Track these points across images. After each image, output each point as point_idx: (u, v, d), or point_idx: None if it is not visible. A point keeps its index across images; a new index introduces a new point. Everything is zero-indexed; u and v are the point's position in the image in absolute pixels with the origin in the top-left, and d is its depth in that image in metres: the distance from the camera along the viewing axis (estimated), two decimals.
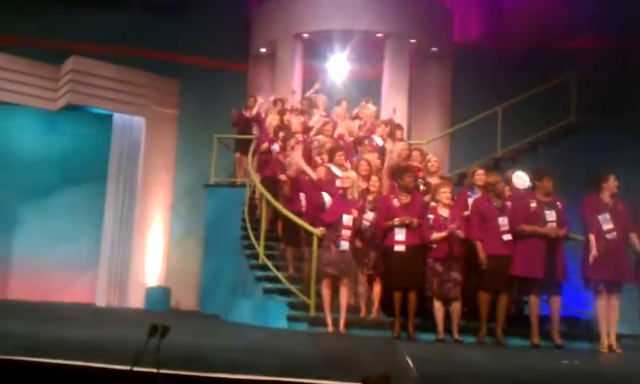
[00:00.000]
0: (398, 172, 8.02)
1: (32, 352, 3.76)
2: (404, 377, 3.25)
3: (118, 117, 12.83)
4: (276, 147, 9.90)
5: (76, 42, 12.76)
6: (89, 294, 12.73)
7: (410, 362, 3.24)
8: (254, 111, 11.28)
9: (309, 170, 8.60)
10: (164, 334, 3.13)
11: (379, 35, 12.58)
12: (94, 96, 12.38)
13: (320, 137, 9.73)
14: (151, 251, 12.90)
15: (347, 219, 7.74)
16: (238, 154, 11.57)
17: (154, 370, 3.10)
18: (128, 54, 12.95)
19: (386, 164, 8.83)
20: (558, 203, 7.52)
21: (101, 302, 12.43)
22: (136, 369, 3.10)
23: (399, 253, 7.57)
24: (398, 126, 10.26)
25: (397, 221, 7.61)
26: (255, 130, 11.13)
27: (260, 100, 11.42)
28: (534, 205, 7.53)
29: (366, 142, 9.27)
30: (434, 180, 8.31)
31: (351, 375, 3.25)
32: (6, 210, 12.85)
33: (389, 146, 9.38)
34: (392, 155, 8.81)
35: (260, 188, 9.46)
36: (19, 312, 8.99)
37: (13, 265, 12.96)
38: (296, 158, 8.81)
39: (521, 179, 8.12)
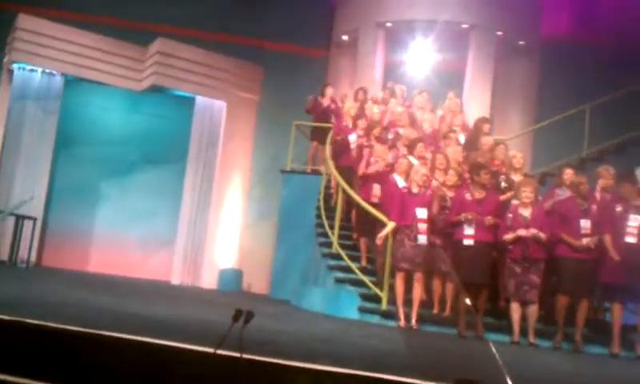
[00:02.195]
0: (474, 167, 7.82)
1: (119, 328, 3.84)
2: (496, 381, 3.12)
3: (200, 100, 13.06)
4: (353, 137, 9.83)
5: (163, 25, 13.05)
6: (164, 271, 13.04)
7: (502, 365, 3.11)
8: (327, 101, 11.23)
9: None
10: (248, 319, 3.14)
11: (464, 26, 12.28)
12: (179, 79, 12.64)
13: (401, 130, 9.62)
14: (226, 233, 13.11)
15: (421, 212, 7.63)
16: (314, 142, 11.56)
17: (237, 354, 3.10)
18: (213, 39, 13.17)
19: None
20: None
21: (175, 280, 12.72)
22: (219, 352, 3.11)
23: (467, 247, 7.41)
24: (485, 120, 9.96)
25: (463, 216, 7.43)
26: (333, 119, 11.07)
27: (330, 90, 11.36)
28: (619, 209, 7.23)
29: (452, 135, 9.07)
30: (517, 177, 8.06)
31: (442, 376, 3.15)
32: (89, 186, 13.29)
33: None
34: (482, 149, 8.63)
35: (337, 177, 9.42)
36: (102, 286, 9.27)
37: (94, 238, 13.40)
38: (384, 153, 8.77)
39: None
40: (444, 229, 7.73)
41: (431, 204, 7.69)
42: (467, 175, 8.12)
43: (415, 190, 7.73)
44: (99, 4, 13.11)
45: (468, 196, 7.56)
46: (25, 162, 12.24)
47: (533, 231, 7.19)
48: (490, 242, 7.46)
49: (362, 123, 9.81)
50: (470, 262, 7.37)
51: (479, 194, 7.54)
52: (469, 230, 7.42)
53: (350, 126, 10.03)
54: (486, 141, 8.92)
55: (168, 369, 3.30)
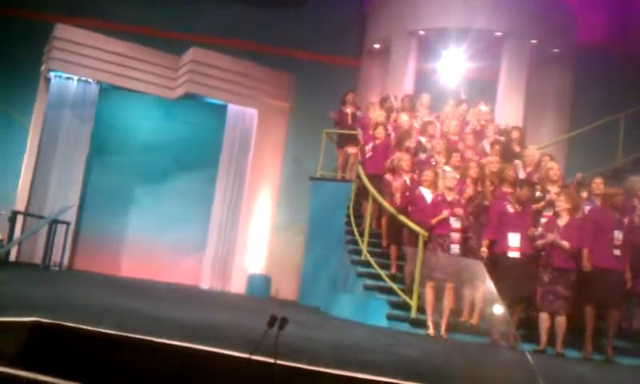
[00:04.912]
0: (519, 182, 7.75)
1: (153, 332, 3.89)
2: None
3: (232, 108, 13.17)
4: (370, 146, 9.81)
5: (196, 34, 13.24)
6: (194, 276, 13.16)
7: (539, 376, 3.08)
8: (349, 109, 11.23)
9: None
10: (283, 325, 3.16)
11: (498, 34, 12.18)
12: (211, 87, 12.78)
13: (423, 139, 9.60)
14: (255, 239, 13.18)
15: (454, 221, 7.59)
16: (341, 149, 11.57)
17: (271, 360, 3.12)
18: (245, 48, 13.31)
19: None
20: None
21: (205, 284, 12.84)
22: (254, 357, 3.14)
23: (513, 259, 7.29)
24: (515, 128, 9.90)
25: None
26: (359, 129, 11.06)
27: (351, 98, 11.36)
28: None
29: (497, 146, 8.99)
30: (554, 189, 7.94)
31: None
32: (122, 192, 13.48)
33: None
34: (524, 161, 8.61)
35: (367, 185, 9.41)
36: (134, 289, 9.36)
37: (125, 243, 13.58)
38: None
39: None
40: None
41: (465, 212, 7.65)
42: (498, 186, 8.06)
43: (450, 197, 7.69)
44: (134, 14, 13.35)
45: (509, 208, 7.46)
46: (59, 168, 12.49)
47: (552, 237, 7.12)
48: (532, 254, 7.38)
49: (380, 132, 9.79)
50: (515, 275, 7.25)
51: (518, 208, 7.46)
52: (514, 242, 7.31)
53: (371, 133, 10.01)
54: (531, 152, 8.89)
55: (203, 373, 3.34)
